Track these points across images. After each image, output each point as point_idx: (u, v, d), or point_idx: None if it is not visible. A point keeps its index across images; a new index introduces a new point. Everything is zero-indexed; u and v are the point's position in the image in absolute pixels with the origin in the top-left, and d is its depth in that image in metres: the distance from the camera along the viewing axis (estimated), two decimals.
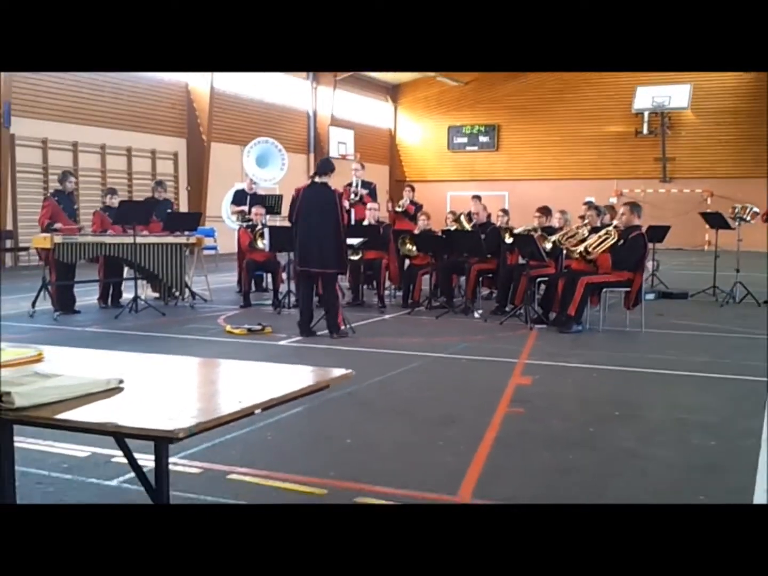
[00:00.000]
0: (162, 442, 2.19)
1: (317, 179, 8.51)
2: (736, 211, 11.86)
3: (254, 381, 2.83)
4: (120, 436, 2.30)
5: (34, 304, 9.90)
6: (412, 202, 13.42)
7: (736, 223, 11.83)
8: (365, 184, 13.04)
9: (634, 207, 9.24)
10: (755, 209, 11.80)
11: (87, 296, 11.29)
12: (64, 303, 10.22)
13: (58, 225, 10.27)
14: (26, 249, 16.20)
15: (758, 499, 3.75)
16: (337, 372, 2.86)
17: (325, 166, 8.71)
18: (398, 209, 13.53)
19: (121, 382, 2.52)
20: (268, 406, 2.46)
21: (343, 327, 8.58)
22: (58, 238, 9.78)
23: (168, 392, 2.64)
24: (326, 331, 8.56)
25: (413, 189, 13.85)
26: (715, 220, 12.51)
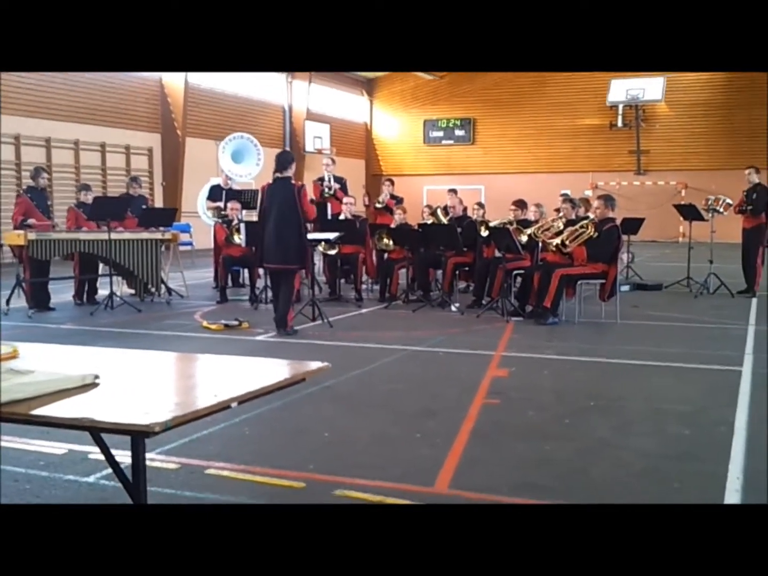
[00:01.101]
0: (138, 436, 2.20)
1: (279, 175, 8.28)
2: (710, 202, 11.96)
3: (230, 375, 2.83)
4: (96, 431, 2.30)
5: (8, 302, 9.82)
6: (391, 196, 13.42)
7: (710, 215, 11.94)
8: (336, 179, 13.02)
9: (608, 200, 9.31)
10: (728, 201, 11.92)
11: (62, 293, 11.21)
12: (39, 300, 10.13)
13: (31, 221, 10.17)
14: None
15: (730, 498, 3.78)
16: (314, 365, 2.87)
17: (284, 160, 8.36)
18: (378, 205, 13.51)
19: (96, 377, 2.52)
20: (245, 399, 2.46)
21: (294, 327, 8.39)
22: (31, 235, 9.69)
23: (144, 387, 2.64)
24: (303, 326, 8.57)
25: (392, 183, 13.84)
26: (689, 212, 12.62)
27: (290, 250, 8.18)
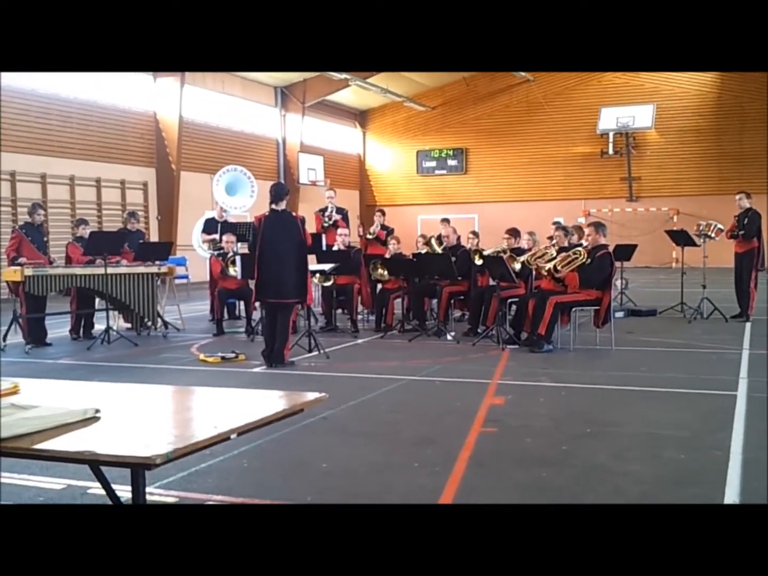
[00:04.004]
0: (139, 468, 2.23)
1: (275, 207, 8.31)
2: (701, 228, 12.05)
3: (229, 407, 2.86)
4: (97, 463, 2.33)
5: (5, 338, 9.83)
6: (383, 227, 13.51)
7: (702, 240, 12.02)
8: (339, 210, 13.14)
9: (599, 226, 9.38)
10: (719, 226, 12.01)
11: (58, 329, 11.22)
12: (36, 336, 10.15)
13: (22, 260, 10.11)
14: None
15: (729, 499, 3.81)
16: (311, 395, 2.91)
17: (279, 192, 8.37)
18: (369, 236, 13.59)
19: (97, 411, 2.55)
20: (244, 430, 2.49)
21: (290, 360, 8.37)
22: (28, 271, 9.70)
23: (144, 420, 2.67)
24: (299, 357, 8.59)
25: (384, 213, 13.94)
26: (681, 238, 12.71)
27: (298, 283, 8.25)
